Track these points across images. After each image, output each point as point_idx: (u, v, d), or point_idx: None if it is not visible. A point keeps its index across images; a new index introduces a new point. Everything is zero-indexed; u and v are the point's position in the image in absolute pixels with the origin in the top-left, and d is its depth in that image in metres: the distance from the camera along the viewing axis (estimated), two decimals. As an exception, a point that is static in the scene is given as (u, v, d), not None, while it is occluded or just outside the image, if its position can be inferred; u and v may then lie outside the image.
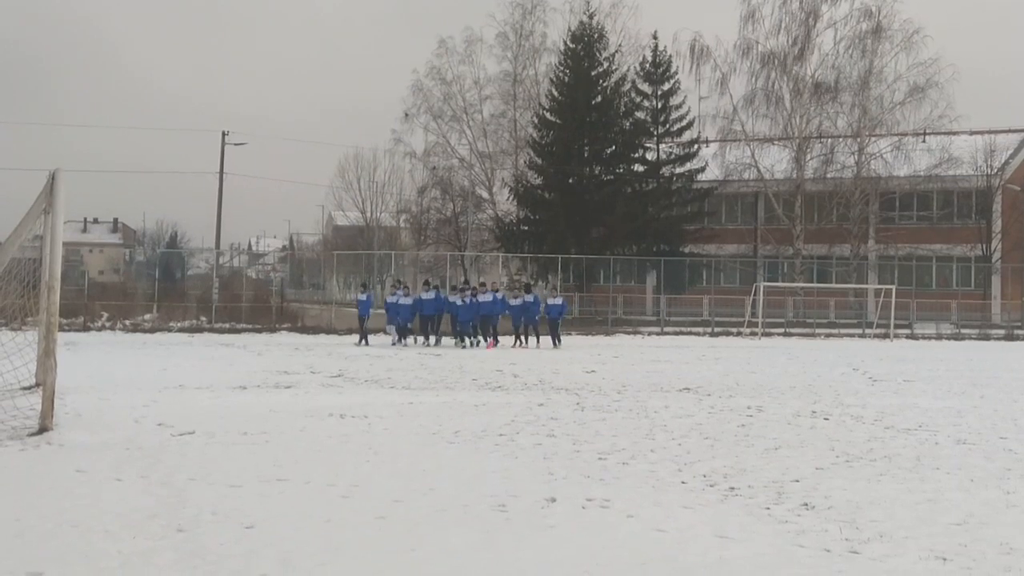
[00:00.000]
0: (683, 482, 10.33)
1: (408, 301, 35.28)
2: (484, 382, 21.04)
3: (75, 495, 9.19)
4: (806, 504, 9.32)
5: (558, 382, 21.23)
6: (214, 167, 62.94)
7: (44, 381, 13.17)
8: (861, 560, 7.50)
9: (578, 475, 10.57)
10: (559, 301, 37.61)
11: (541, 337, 35.83)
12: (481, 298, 34.78)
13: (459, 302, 34.24)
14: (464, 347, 33.50)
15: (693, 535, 8.14)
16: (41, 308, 14.51)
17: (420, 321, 35.26)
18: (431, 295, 35.40)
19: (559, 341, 35.79)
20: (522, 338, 35.34)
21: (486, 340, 34.69)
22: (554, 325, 36.28)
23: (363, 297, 36.70)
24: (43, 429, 12.48)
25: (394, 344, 34.64)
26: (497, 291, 37.19)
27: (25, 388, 15.66)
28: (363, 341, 34.96)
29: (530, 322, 35.74)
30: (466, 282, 40.70)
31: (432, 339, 34.94)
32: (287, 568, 7.06)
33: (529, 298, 36.39)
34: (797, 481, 10.40)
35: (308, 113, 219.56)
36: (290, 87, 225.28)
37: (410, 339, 35.55)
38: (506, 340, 35.73)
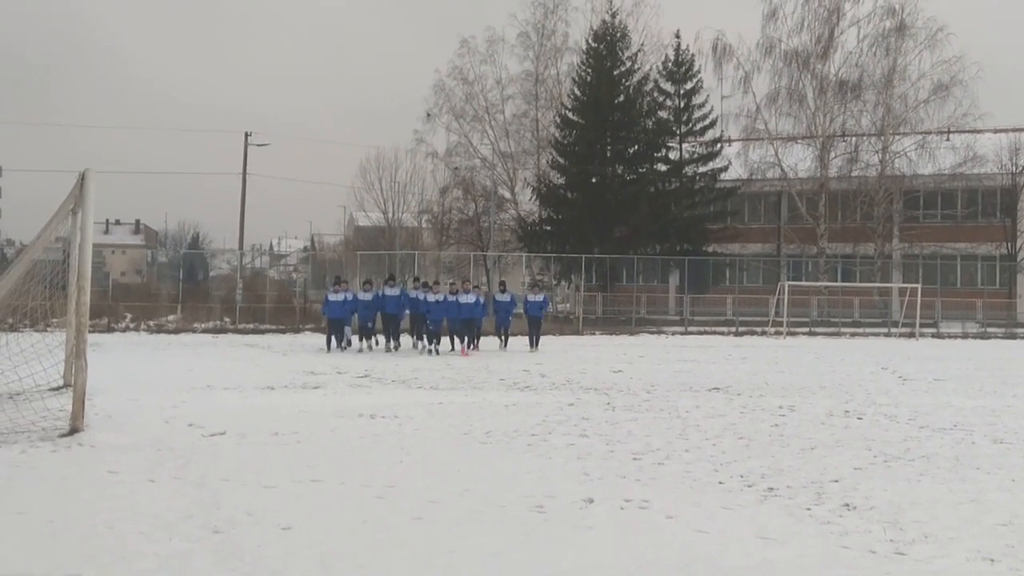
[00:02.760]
0: (720, 482, 10.22)
1: (368, 297, 31.29)
2: (512, 382, 20.94)
3: (109, 496, 9.13)
4: (847, 505, 9.21)
5: (586, 382, 21.12)
6: (235, 168, 63.43)
7: (75, 382, 13.14)
8: (908, 561, 7.39)
9: (614, 475, 10.48)
10: (540, 298, 34.24)
11: (511, 338, 32.95)
12: (462, 299, 30.58)
13: (431, 299, 30.19)
14: (431, 353, 29.56)
15: (735, 536, 8.04)
16: (70, 309, 14.53)
17: (383, 321, 31.30)
18: (395, 292, 31.49)
19: (537, 343, 32.69)
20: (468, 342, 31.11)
21: (469, 344, 30.58)
22: (535, 324, 33.08)
23: (339, 297, 31.38)
24: (74, 430, 12.44)
25: (339, 348, 30.88)
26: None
27: (53, 389, 15.67)
28: (344, 343, 31.27)
29: (503, 324, 32.60)
30: (429, 281, 34.52)
31: (393, 342, 31.11)
32: (327, 570, 6.99)
33: (505, 297, 33.22)
34: (836, 481, 10.29)
35: (330, 114, 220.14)
36: (312, 88, 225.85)
37: (363, 341, 31.52)
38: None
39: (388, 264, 56.50)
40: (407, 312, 31.51)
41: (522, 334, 34.18)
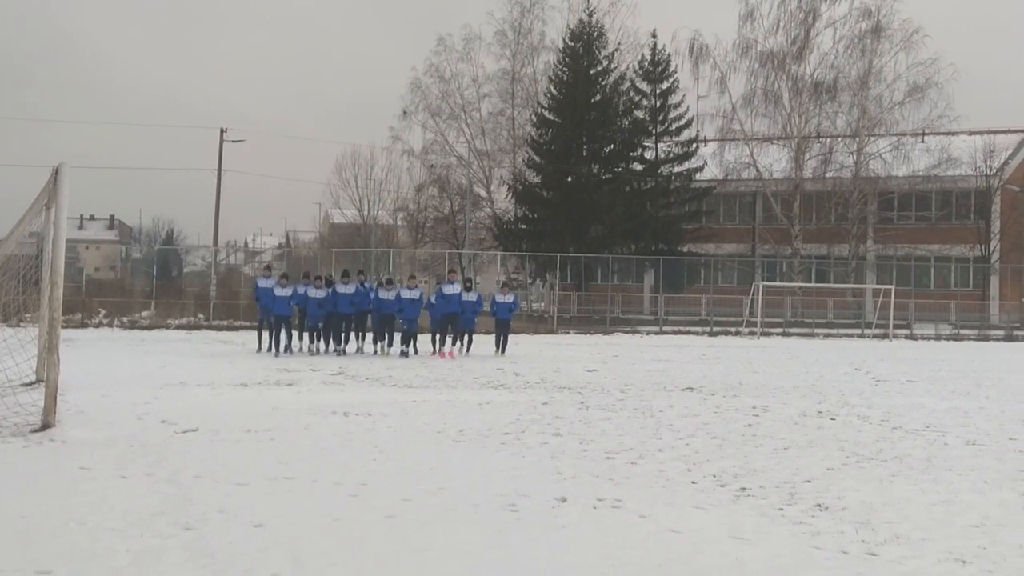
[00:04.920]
0: (693, 482, 10.23)
1: (320, 294, 27.89)
2: (486, 380, 20.93)
3: (81, 492, 9.09)
4: (819, 505, 9.23)
5: (560, 381, 21.14)
6: (211, 165, 62.91)
7: (47, 377, 13.06)
8: (879, 562, 7.41)
9: (587, 475, 10.48)
10: (510, 299, 30.65)
11: (473, 341, 29.18)
12: (446, 289, 28.32)
13: (405, 295, 27.88)
14: (405, 355, 27.24)
15: (708, 536, 8.04)
16: (43, 304, 14.45)
17: (332, 321, 28.23)
18: (350, 288, 28.20)
19: (504, 347, 29.45)
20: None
21: (443, 344, 28.12)
22: (504, 326, 29.83)
23: (286, 292, 27.98)
24: (46, 426, 12.37)
25: (277, 352, 27.25)
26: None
27: (25, 384, 15.57)
28: (278, 348, 27.47)
29: (467, 326, 28.79)
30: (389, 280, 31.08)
31: (344, 345, 28.22)
32: (298, 567, 6.96)
33: (471, 297, 28.92)
34: (808, 482, 10.31)
35: (306, 111, 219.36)
36: (288, 85, 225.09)
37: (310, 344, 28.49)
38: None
39: (363, 261, 56.40)
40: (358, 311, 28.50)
41: (487, 332, 31.91)
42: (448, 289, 28.42)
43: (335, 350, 27.98)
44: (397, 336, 28.22)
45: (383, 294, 28.27)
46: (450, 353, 27.61)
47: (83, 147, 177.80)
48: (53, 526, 7.87)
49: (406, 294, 28.09)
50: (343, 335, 28.35)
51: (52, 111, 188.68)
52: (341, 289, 28.27)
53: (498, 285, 35.99)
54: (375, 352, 27.93)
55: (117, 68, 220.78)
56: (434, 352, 27.99)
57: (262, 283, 28.90)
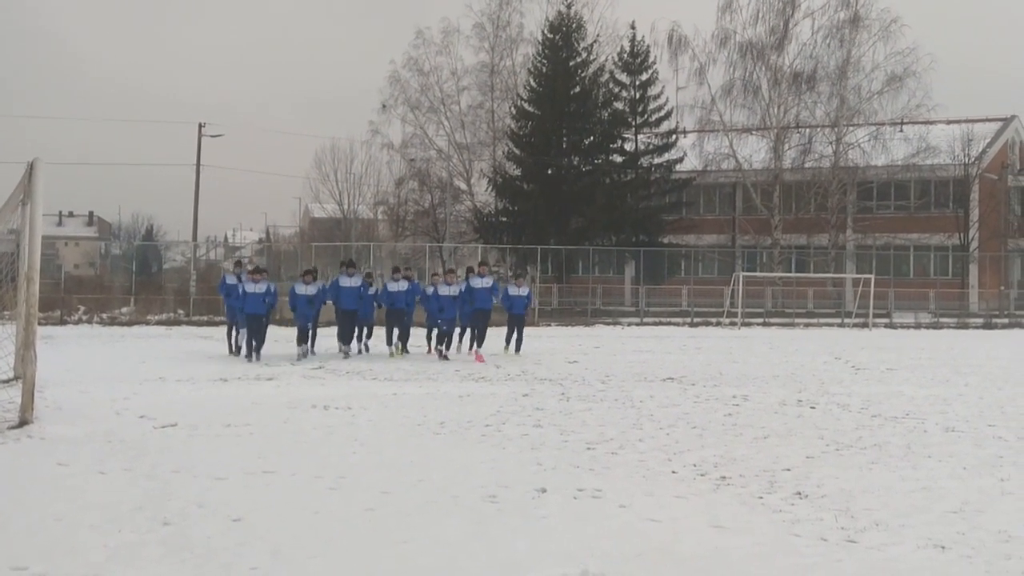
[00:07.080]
0: (674, 472, 10.25)
1: (311, 291, 24.75)
2: (467, 373, 20.89)
3: (58, 488, 9.06)
4: (799, 493, 9.26)
5: (541, 372, 21.10)
6: (190, 159, 62.69)
7: (24, 374, 13.01)
8: (859, 549, 7.43)
9: (567, 465, 10.49)
10: (524, 292, 27.50)
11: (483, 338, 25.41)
12: (475, 283, 25.43)
13: (443, 292, 24.61)
14: (444, 357, 24.32)
15: (688, 525, 8.07)
16: (20, 300, 14.34)
17: (341, 320, 25.21)
18: (354, 282, 25.36)
19: (520, 345, 26.29)
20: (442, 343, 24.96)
21: (474, 344, 25.03)
22: (519, 321, 26.60)
23: (260, 289, 24.08)
24: (23, 422, 12.33)
25: (249, 357, 23.68)
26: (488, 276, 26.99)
27: (3, 382, 15.48)
28: (250, 350, 23.89)
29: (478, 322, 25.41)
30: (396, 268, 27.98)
31: (354, 346, 25.54)
32: (278, 561, 6.95)
33: (487, 283, 25.96)
34: (788, 470, 10.34)
35: (284, 105, 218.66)
36: (266, 79, 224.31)
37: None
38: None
39: (344, 255, 56.26)
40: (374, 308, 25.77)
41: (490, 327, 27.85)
42: (476, 283, 25.53)
43: (341, 350, 24.89)
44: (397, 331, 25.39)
45: (392, 286, 25.49)
46: (478, 356, 24.33)
47: (60, 143, 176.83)
48: (30, 522, 7.85)
49: (444, 291, 24.87)
50: (349, 334, 25.21)
51: (27, 106, 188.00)
52: (345, 282, 25.24)
53: (491, 275, 33.86)
54: (390, 354, 24.91)
55: (94, 63, 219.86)
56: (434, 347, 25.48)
57: (230, 279, 26.30)
